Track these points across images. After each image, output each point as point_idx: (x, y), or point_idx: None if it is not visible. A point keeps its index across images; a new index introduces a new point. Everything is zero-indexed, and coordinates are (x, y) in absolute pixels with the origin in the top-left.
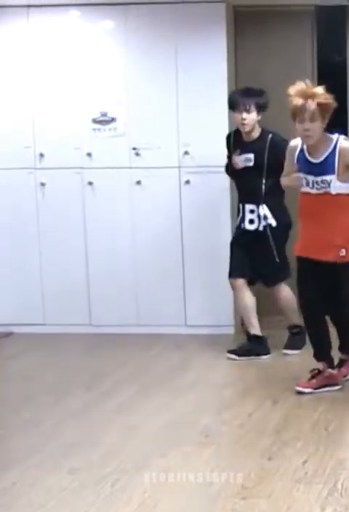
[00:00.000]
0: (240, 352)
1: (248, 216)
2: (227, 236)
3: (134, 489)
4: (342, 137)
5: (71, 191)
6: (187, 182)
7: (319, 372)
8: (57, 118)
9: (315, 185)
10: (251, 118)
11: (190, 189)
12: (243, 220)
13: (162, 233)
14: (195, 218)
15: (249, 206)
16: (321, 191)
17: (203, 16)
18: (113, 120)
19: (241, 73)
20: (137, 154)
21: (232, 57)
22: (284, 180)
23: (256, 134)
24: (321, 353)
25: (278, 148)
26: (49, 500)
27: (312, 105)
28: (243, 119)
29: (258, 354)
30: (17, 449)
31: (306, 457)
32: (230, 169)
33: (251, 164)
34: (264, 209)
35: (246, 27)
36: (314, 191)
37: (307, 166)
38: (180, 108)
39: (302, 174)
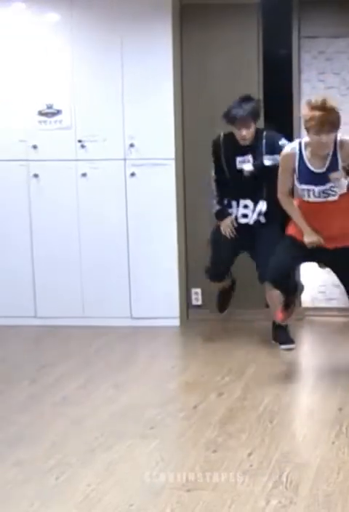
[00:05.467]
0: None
1: (241, 210)
2: (172, 228)
3: (78, 482)
4: (338, 135)
5: (17, 183)
6: (133, 174)
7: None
8: (3, 110)
9: (322, 194)
10: (250, 132)
11: (136, 181)
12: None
13: (107, 225)
14: (140, 210)
15: (243, 202)
16: (328, 199)
17: (148, 8)
18: (58, 112)
19: (186, 66)
20: (83, 146)
21: (178, 50)
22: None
23: (252, 138)
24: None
25: (275, 145)
26: None
27: (330, 117)
28: (244, 136)
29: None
30: None
31: (251, 450)
32: (228, 174)
33: (250, 165)
34: (263, 205)
35: (192, 19)
36: (319, 200)
37: (309, 177)
38: (126, 101)
39: (304, 186)
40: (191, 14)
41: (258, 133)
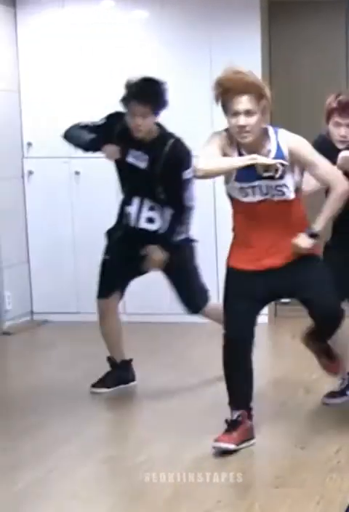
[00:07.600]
0: (109, 383)
1: (145, 213)
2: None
3: (166, 477)
4: (279, 129)
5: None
6: None
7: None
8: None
9: (265, 191)
10: (147, 123)
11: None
12: (138, 217)
13: None
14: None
15: (148, 203)
16: (274, 198)
17: (237, 6)
18: None
19: (275, 64)
20: None
21: (266, 48)
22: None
23: (152, 134)
24: (240, 400)
25: (179, 160)
26: (82, 489)
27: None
28: (138, 125)
29: (126, 381)
30: (52, 437)
31: (339, 446)
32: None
33: (144, 166)
34: (167, 212)
35: (280, 17)
36: (266, 198)
37: (249, 173)
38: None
39: (244, 185)
40: (279, 12)
41: (162, 137)
